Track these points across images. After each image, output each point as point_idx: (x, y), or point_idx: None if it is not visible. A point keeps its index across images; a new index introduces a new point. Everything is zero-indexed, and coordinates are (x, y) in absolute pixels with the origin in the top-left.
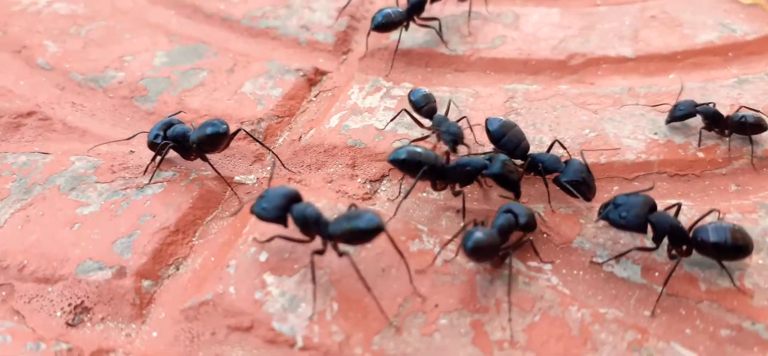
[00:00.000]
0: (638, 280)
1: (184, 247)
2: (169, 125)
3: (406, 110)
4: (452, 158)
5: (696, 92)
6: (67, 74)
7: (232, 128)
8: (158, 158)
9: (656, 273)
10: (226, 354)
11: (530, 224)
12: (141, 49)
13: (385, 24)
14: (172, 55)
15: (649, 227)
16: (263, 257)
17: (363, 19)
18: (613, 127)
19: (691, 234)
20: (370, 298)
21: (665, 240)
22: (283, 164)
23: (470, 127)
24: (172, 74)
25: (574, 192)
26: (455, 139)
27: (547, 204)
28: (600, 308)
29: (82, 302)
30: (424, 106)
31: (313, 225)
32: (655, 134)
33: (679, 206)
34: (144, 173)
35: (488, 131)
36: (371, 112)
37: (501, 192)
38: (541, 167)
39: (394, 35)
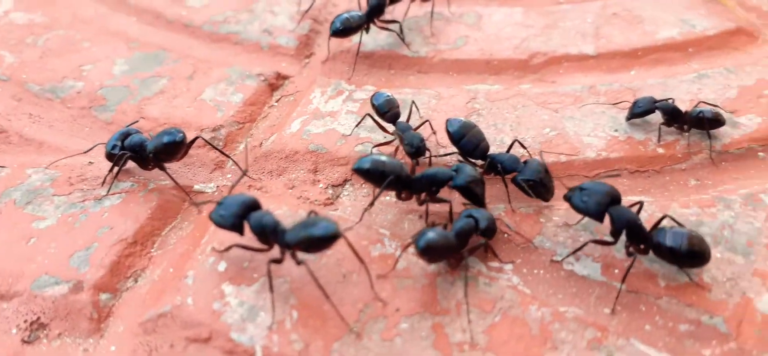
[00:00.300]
0: (598, 277)
1: (143, 259)
2: (126, 134)
3: (369, 115)
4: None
5: (657, 88)
6: (23, 85)
7: (191, 136)
8: (116, 169)
9: (616, 270)
10: None
11: (490, 229)
12: (100, 58)
13: (343, 30)
14: (132, 62)
15: (608, 219)
16: (222, 267)
17: (325, 22)
18: (574, 125)
19: (649, 234)
20: (330, 305)
21: (624, 237)
22: (243, 171)
23: (432, 130)
24: (132, 83)
25: (529, 192)
26: (417, 150)
27: (508, 204)
28: (560, 306)
29: (38, 318)
30: (387, 111)
31: (270, 234)
32: (616, 131)
33: (641, 204)
34: (102, 185)
35: (448, 132)
36: (333, 116)
37: (464, 201)
38: (500, 167)
39: (356, 38)
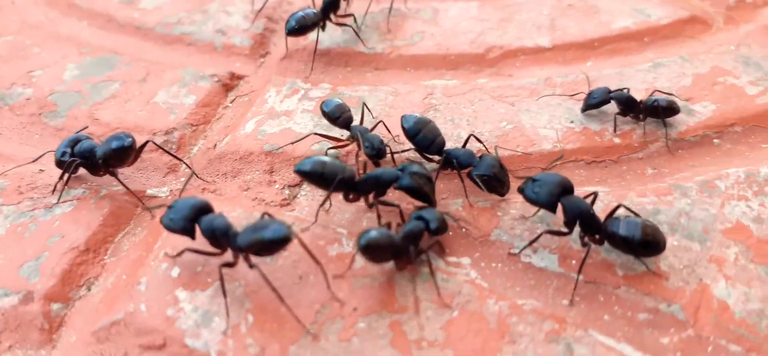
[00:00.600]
0: (556, 269)
1: (96, 266)
2: (76, 141)
3: (316, 133)
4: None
5: (613, 78)
6: None
7: (142, 140)
8: (66, 176)
9: (573, 262)
10: None
11: (440, 229)
12: (50, 63)
13: (299, 28)
14: (83, 67)
15: (561, 210)
16: (175, 272)
17: (281, 20)
18: (530, 118)
19: (602, 224)
20: (286, 308)
21: (578, 227)
22: (196, 174)
23: (387, 129)
24: (83, 87)
25: (482, 187)
26: (378, 152)
27: (465, 198)
28: (518, 299)
29: None
30: (339, 117)
31: (222, 237)
32: (572, 122)
33: (596, 194)
34: (52, 193)
35: (404, 129)
36: (289, 115)
37: (414, 202)
38: (456, 162)
39: (313, 36)
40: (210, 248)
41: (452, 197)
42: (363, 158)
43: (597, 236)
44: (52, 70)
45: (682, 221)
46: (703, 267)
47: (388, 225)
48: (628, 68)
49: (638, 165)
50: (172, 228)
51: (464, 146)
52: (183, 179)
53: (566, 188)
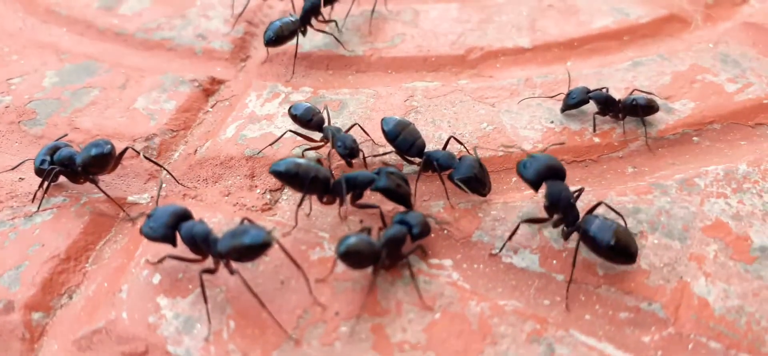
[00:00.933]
0: (537, 269)
1: (77, 274)
2: (55, 149)
3: (291, 130)
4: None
5: (592, 78)
6: None
7: (122, 147)
8: (46, 184)
9: (554, 261)
10: None
11: (424, 233)
12: (29, 71)
13: (276, 39)
14: (62, 74)
15: (544, 193)
16: (156, 279)
17: (261, 24)
18: (510, 119)
19: (578, 218)
20: (267, 313)
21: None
22: (176, 180)
23: (363, 130)
24: (63, 94)
25: (465, 189)
26: (350, 152)
27: (446, 200)
28: (500, 300)
29: None
30: (311, 119)
31: (201, 243)
32: (552, 122)
33: (582, 190)
34: (32, 201)
35: (384, 131)
36: (270, 119)
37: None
38: (437, 164)
39: (293, 41)
40: (191, 255)
41: (434, 199)
42: (327, 150)
43: (571, 229)
44: (31, 77)
45: (662, 219)
46: (683, 265)
47: (368, 230)
48: (608, 68)
49: (618, 164)
50: (152, 237)
51: (445, 147)
52: (165, 185)
53: (555, 172)
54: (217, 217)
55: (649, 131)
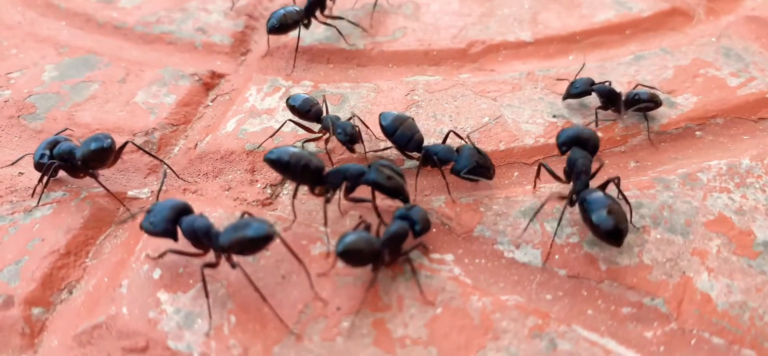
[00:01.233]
0: (539, 264)
1: (77, 269)
2: (55, 143)
3: (291, 120)
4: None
5: (594, 71)
6: None
7: (122, 141)
8: (46, 178)
9: (556, 256)
10: None
11: (425, 229)
12: (29, 65)
13: (279, 27)
14: (62, 68)
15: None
16: (157, 274)
17: (261, 17)
18: (512, 113)
19: (582, 190)
20: (268, 308)
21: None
22: (176, 175)
23: (363, 123)
24: (62, 89)
25: (474, 178)
26: (351, 137)
27: (447, 195)
28: (501, 295)
29: None
30: (309, 110)
31: (203, 237)
32: (554, 116)
33: (616, 179)
34: (32, 196)
35: (382, 126)
36: (270, 113)
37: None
38: (436, 158)
39: (295, 33)
40: (192, 249)
41: (435, 194)
42: (332, 146)
43: (573, 198)
44: (30, 71)
45: (664, 214)
46: (685, 260)
47: (368, 227)
48: (610, 61)
49: (621, 159)
50: (153, 232)
51: (444, 142)
52: (167, 175)
53: (583, 141)
54: (218, 212)
55: (652, 125)
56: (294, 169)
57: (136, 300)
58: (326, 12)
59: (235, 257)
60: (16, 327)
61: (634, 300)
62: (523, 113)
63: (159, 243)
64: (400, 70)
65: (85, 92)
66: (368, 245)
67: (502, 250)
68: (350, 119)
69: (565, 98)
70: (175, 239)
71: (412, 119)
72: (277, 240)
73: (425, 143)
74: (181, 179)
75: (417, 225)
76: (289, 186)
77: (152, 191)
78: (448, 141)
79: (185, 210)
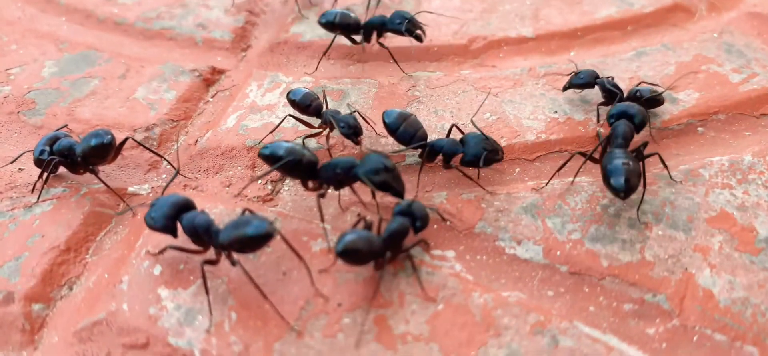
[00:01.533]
0: (540, 260)
1: (77, 266)
2: (54, 139)
3: (291, 115)
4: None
5: (596, 68)
6: None
7: (122, 137)
8: (45, 174)
9: (558, 253)
10: None
11: (424, 226)
12: (29, 61)
13: (330, 25)
14: (62, 64)
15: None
16: (157, 270)
17: (262, 13)
18: (513, 109)
19: (606, 147)
20: (269, 304)
21: None
22: (174, 167)
23: (364, 119)
24: (62, 85)
25: (487, 165)
26: (354, 130)
27: (449, 191)
28: (503, 291)
29: None
30: (309, 105)
31: (203, 234)
32: (555, 113)
33: (656, 154)
34: (32, 192)
35: (385, 124)
36: (271, 109)
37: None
38: (442, 153)
39: (317, 32)
40: (192, 246)
41: (436, 190)
42: (333, 141)
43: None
44: (30, 67)
45: (666, 210)
46: (688, 257)
47: (369, 225)
48: (612, 58)
49: None
50: (153, 226)
51: (447, 136)
52: (164, 175)
53: (630, 116)
54: (219, 208)
55: (654, 121)
56: (287, 164)
57: (137, 296)
58: (382, 39)
59: (236, 255)
60: (17, 324)
61: (636, 296)
62: (524, 109)
63: (159, 240)
64: (401, 65)
65: (85, 88)
66: (368, 244)
67: (504, 246)
68: (351, 113)
69: (565, 87)
70: (175, 235)
71: (415, 115)
72: (278, 237)
73: (428, 139)
74: (182, 175)
75: (417, 222)
76: (290, 183)
77: (153, 187)
78: (450, 135)
79: (186, 207)
